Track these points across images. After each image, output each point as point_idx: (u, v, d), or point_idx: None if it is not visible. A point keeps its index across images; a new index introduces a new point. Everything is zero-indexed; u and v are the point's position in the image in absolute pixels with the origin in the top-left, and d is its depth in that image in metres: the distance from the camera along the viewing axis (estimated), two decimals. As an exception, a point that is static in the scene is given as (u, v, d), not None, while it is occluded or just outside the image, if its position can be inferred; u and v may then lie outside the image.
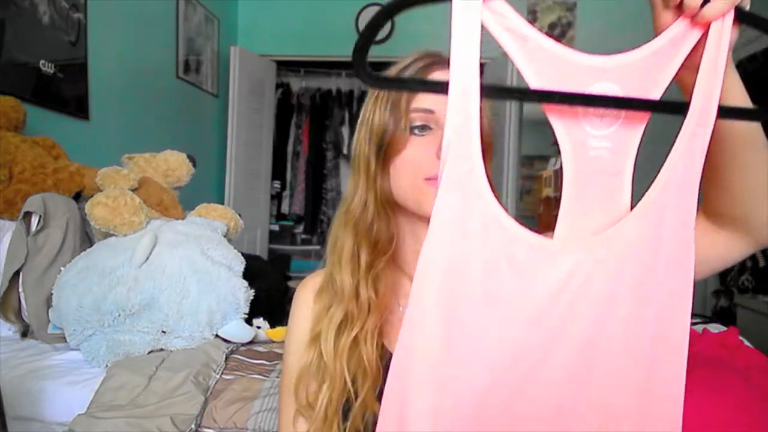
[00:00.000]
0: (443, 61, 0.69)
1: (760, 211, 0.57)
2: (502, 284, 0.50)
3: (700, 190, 0.53)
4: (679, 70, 0.50)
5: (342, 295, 0.70)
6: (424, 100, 0.68)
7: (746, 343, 1.41)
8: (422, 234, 0.63)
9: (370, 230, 0.70)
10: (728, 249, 0.62)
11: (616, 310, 0.52)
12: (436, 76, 0.69)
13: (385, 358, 0.70)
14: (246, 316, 1.55)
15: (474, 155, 0.49)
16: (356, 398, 0.68)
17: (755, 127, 0.55)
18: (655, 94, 0.50)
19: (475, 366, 0.52)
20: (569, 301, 0.51)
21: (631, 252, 0.51)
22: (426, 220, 0.64)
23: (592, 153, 0.50)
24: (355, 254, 0.71)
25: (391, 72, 0.73)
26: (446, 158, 0.49)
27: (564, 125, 0.50)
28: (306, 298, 0.76)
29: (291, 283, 2.04)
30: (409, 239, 0.74)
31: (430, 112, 0.68)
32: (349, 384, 0.68)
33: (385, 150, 0.69)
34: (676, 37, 0.50)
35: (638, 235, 0.51)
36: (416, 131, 0.68)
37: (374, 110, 0.70)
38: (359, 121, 0.73)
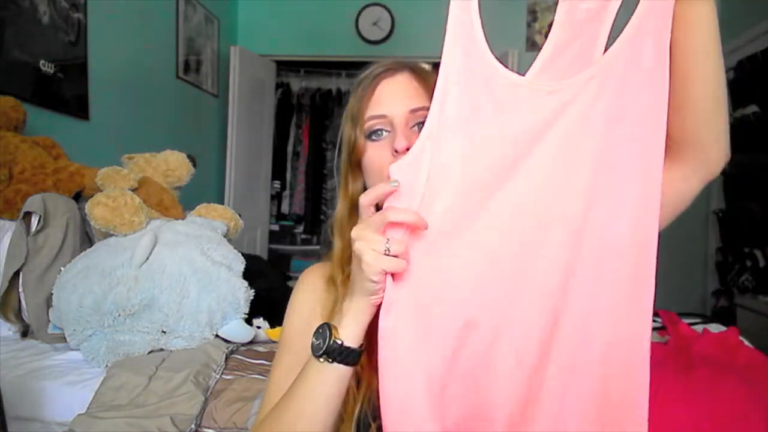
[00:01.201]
0: (394, 69, 0.75)
1: (712, 125, 0.61)
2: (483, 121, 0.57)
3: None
4: None
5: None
6: (377, 106, 0.73)
7: (746, 343, 1.41)
8: None
9: (347, 233, 0.74)
10: (685, 181, 0.65)
11: (586, 146, 0.56)
12: (385, 83, 0.74)
13: None
14: (246, 316, 1.55)
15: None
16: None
17: (713, 34, 0.57)
18: None
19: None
20: (547, 136, 0.56)
21: (603, 93, 0.56)
22: None
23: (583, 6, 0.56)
24: (341, 254, 0.77)
25: (353, 88, 0.79)
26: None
27: None
28: (312, 281, 0.80)
29: (291, 283, 2.04)
30: None
31: (383, 116, 0.73)
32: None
33: (352, 159, 0.75)
34: None
35: (614, 75, 0.56)
36: (373, 137, 0.74)
37: (344, 125, 0.77)
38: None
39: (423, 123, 0.69)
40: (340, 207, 0.78)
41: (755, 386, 1.12)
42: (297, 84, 4.75)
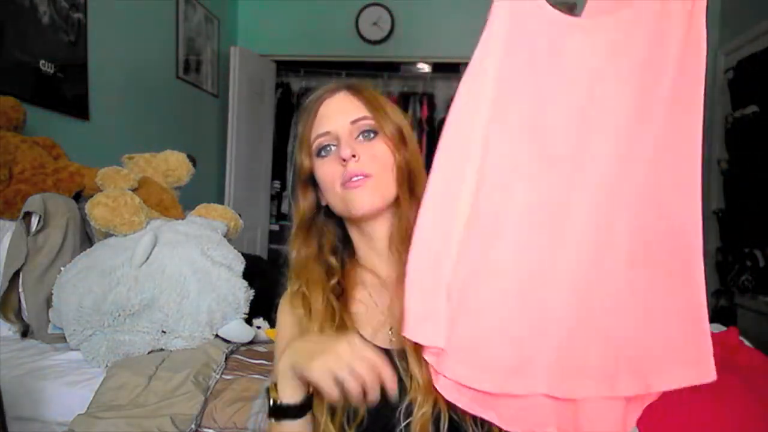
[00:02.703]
0: (333, 89, 0.79)
1: None
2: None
3: None
4: None
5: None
6: (321, 125, 0.77)
7: (746, 343, 1.41)
8: (365, 229, 0.78)
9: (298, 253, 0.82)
10: None
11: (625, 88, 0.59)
12: (326, 103, 0.78)
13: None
14: (246, 316, 1.55)
15: None
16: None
17: None
18: None
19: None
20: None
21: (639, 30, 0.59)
22: (359, 218, 0.76)
23: None
24: (298, 269, 0.81)
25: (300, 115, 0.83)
26: None
27: None
28: (289, 302, 0.82)
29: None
30: (359, 239, 0.82)
31: (327, 133, 0.76)
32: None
33: (301, 178, 0.80)
34: None
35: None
36: (322, 153, 0.77)
37: (297, 153, 0.81)
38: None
39: (366, 131, 0.75)
40: (294, 224, 0.83)
41: (755, 386, 1.13)
42: (297, 84, 4.75)
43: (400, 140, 0.77)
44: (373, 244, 0.80)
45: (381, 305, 0.79)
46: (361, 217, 0.76)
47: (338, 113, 0.76)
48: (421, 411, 0.66)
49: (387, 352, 0.71)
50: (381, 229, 0.78)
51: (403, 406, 0.68)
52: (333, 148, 0.76)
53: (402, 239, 0.75)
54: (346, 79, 0.80)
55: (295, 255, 0.81)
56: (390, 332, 0.75)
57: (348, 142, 0.74)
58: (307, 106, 0.80)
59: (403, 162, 0.76)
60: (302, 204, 0.82)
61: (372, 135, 0.76)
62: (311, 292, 0.77)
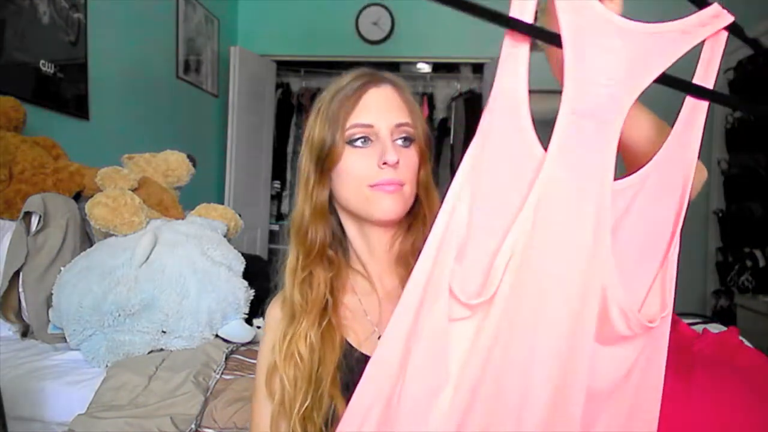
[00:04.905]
0: (378, 80, 0.75)
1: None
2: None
3: None
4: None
5: (289, 300, 0.76)
6: (363, 115, 0.72)
7: (746, 343, 1.41)
8: (370, 234, 0.74)
9: (305, 237, 0.76)
10: None
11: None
12: (372, 93, 0.73)
13: (353, 355, 0.74)
14: (246, 316, 1.55)
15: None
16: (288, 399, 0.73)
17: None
18: (653, 70, 0.50)
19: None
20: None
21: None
22: (373, 222, 0.73)
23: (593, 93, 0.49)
24: (295, 262, 0.77)
25: (330, 91, 0.76)
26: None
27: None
28: (273, 315, 0.81)
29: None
30: (359, 241, 0.78)
31: (369, 126, 0.72)
32: (288, 385, 0.73)
33: (324, 163, 0.73)
34: (686, 29, 0.51)
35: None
36: (358, 143, 0.72)
37: (314, 126, 0.74)
38: (303, 137, 0.78)
39: (406, 138, 0.72)
40: (300, 210, 0.77)
41: (756, 386, 1.12)
42: (297, 84, 4.75)
43: (427, 152, 0.76)
44: (372, 250, 0.78)
45: (371, 313, 0.77)
46: (376, 222, 0.74)
47: (384, 110, 0.73)
48: None
49: None
50: (385, 237, 0.77)
51: None
52: (370, 142, 0.72)
53: (407, 253, 0.75)
54: (380, 72, 0.76)
55: (311, 236, 0.76)
56: (378, 340, 0.75)
57: (392, 146, 0.71)
58: (345, 86, 0.74)
59: (425, 176, 0.75)
60: (317, 193, 0.75)
61: (409, 143, 0.74)
62: (314, 277, 0.75)
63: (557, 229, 0.48)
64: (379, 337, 0.73)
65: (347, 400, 0.67)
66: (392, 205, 0.71)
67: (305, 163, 0.76)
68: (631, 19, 0.50)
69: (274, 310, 0.81)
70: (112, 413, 1.21)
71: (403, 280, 0.75)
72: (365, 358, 0.72)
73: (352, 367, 0.72)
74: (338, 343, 0.74)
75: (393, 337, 0.50)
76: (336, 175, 0.74)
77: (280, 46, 4.22)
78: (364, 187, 0.71)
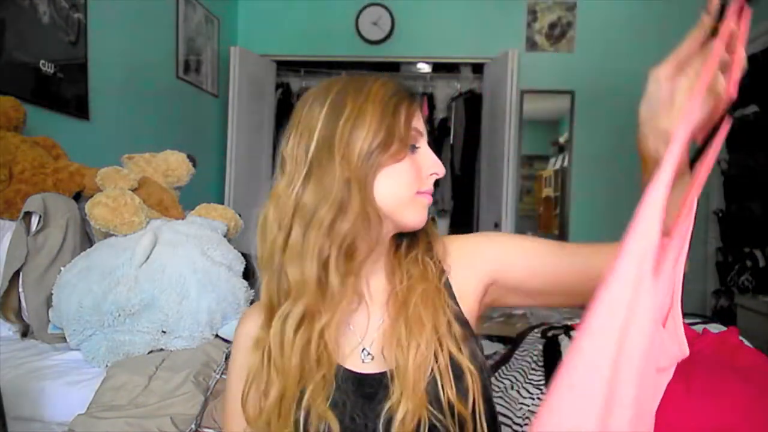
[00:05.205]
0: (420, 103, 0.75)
1: None
2: None
3: None
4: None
5: (302, 288, 0.68)
6: (416, 121, 0.72)
7: (746, 343, 1.41)
8: (382, 241, 0.72)
9: (346, 236, 0.68)
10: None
11: None
12: (416, 105, 0.73)
13: (339, 371, 0.69)
14: (246, 316, 1.55)
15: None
16: (301, 399, 0.67)
17: None
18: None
19: None
20: None
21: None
22: (401, 226, 0.72)
23: None
24: (323, 253, 0.68)
25: (376, 84, 0.71)
26: None
27: None
28: (248, 331, 0.75)
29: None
30: (368, 247, 0.73)
31: (420, 132, 0.72)
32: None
33: (381, 162, 0.68)
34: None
35: None
36: (414, 147, 0.72)
37: (371, 122, 0.68)
38: (348, 125, 0.69)
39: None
40: (333, 205, 0.67)
41: (756, 386, 1.12)
42: (297, 84, 4.75)
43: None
44: (377, 257, 0.75)
45: (355, 326, 0.73)
46: (403, 228, 0.73)
47: (422, 126, 0.74)
48: None
49: (358, 378, 0.69)
50: (391, 246, 0.76)
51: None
52: (417, 149, 0.72)
53: (411, 261, 0.75)
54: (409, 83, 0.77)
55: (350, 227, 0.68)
56: (363, 354, 0.71)
57: None
58: (397, 90, 0.71)
59: None
60: (367, 193, 0.69)
61: None
62: (347, 271, 0.69)
63: None
64: (363, 350, 0.71)
65: (338, 418, 0.65)
66: (426, 215, 0.73)
67: (354, 154, 0.68)
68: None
69: (249, 325, 0.76)
70: (112, 413, 1.21)
71: (389, 276, 0.75)
72: (350, 374, 0.70)
73: (339, 384, 0.68)
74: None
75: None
76: (385, 175, 0.69)
77: (280, 46, 4.22)
78: (413, 191, 0.71)
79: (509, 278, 0.76)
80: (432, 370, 0.66)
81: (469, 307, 0.75)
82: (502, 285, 0.77)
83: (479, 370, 0.69)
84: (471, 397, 0.66)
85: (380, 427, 0.65)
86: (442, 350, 0.67)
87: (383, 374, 0.68)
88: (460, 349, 0.68)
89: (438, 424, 0.65)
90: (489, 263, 0.76)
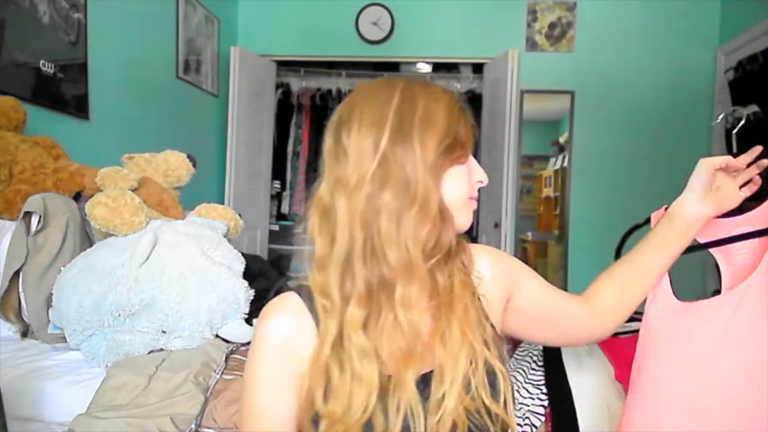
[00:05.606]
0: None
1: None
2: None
3: None
4: None
5: (411, 271, 0.67)
6: (469, 137, 0.76)
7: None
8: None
9: (432, 231, 0.69)
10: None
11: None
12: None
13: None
14: (246, 316, 1.55)
15: None
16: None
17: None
18: None
19: None
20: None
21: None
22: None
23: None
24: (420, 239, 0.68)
25: (441, 103, 0.72)
26: None
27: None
28: (275, 333, 0.74)
29: (290, 283, 2.03)
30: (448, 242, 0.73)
31: (471, 142, 0.77)
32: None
33: (449, 162, 0.72)
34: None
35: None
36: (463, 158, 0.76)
37: (443, 123, 0.70)
38: (423, 123, 0.70)
39: None
40: (425, 197, 0.67)
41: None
42: (297, 84, 4.75)
43: None
44: None
45: None
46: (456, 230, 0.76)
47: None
48: None
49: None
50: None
51: None
52: (468, 158, 0.76)
53: (450, 264, 0.76)
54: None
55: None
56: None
57: None
58: (456, 98, 0.76)
59: None
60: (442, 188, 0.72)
61: None
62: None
63: None
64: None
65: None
66: (471, 219, 0.78)
67: (430, 147, 0.69)
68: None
69: (275, 327, 0.74)
70: (112, 413, 1.21)
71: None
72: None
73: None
74: None
75: None
76: (453, 173, 0.72)
77: (280, 46, 4.22)
78: (467, 195, 0.76)
79: (522, 297, 0.84)
80: (471, 368, 0.68)
81: (493, 314, 0.78)
82: (512, 304, 0.83)
83: (507, 371, 0.72)
84: (502, 398, 0.70)
85: (423, 424, 0.65)
86: (479, 352, 0.70)
87: (429, 373, 0.69)
88: (493, 351, 0.71)
89: (477, 424, 0.67)
90: (511, 279, 0.83)
